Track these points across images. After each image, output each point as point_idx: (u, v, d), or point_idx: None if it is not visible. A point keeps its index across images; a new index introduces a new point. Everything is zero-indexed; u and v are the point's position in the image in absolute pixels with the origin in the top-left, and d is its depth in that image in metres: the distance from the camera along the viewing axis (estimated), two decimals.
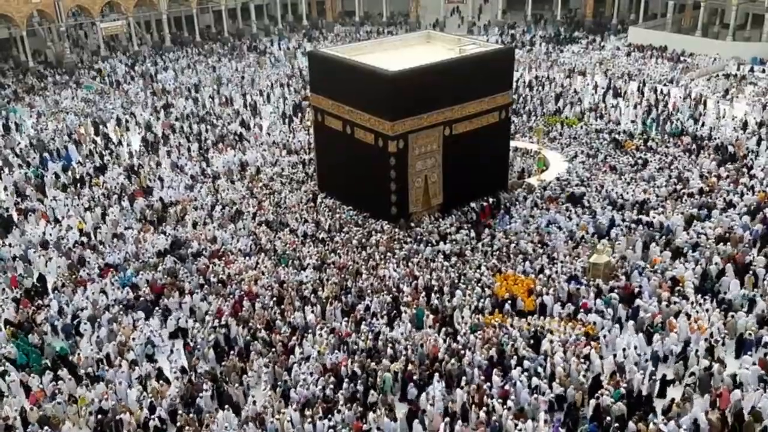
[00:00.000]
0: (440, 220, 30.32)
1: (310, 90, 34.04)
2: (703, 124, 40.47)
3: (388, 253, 27.29)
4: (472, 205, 31.40)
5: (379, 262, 26.69)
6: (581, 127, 41.16)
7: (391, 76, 28.05)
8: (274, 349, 22.28)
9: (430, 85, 28.75)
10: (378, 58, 30.81)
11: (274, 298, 24.64)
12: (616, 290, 24.40)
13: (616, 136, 39.44)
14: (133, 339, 23.29)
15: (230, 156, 38.49)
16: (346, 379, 20.61)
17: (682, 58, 55.32)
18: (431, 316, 23.33)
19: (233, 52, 62.69)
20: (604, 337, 22.26)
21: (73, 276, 27.64)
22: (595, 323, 22.87)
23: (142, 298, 25.87)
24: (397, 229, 29.33)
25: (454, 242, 27.94)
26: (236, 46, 64.48)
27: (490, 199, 31.93)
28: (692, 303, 23.49)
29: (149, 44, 65.31)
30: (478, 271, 25.91)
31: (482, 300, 23.98)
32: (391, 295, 24.64)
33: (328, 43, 63.00)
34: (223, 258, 27.78)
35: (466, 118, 30.49)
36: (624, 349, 21.64)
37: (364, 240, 28.32)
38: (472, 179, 31.45)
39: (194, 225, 31.08)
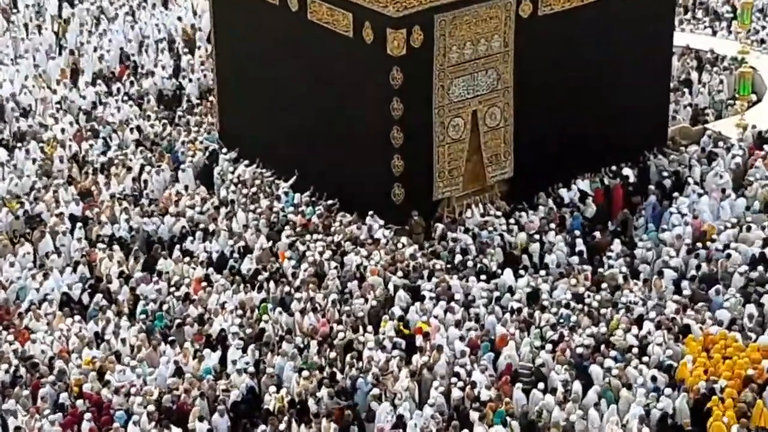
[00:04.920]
0: (507, 213, 20.72)
1: None
2: None
3: (401, 293, 18.12)
4: (582, 185, 21.18)
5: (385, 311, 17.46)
6: None
7: None
8: None
9: None
10: None
11: (153, 419, 16.33)
12: None
13: None
14: None
15: None
16: None
17: None
18: None
19: None
20: None
21: None
22: None
23: None
24: (404, 239, 19.70)
25: (542, 269, 18.78)
26: None
27: (626, 171, 21.47)
28: None
29: None
30: (631, 328, 17.13)
31: (655, 403, 15.36)
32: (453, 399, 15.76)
33: None
34: (14, 322, 18.72)
35: None
36: None
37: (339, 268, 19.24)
38: (581, 125, 20.95)
39: None
